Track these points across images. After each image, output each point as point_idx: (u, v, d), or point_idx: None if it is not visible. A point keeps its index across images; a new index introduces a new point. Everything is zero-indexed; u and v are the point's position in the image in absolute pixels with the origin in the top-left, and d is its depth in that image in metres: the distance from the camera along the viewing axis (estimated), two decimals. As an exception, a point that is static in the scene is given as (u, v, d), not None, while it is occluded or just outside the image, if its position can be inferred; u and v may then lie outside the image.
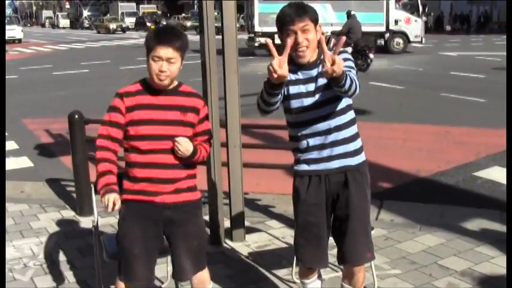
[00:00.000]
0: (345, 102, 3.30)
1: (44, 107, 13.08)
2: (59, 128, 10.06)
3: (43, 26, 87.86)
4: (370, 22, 23.31)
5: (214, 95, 4.85)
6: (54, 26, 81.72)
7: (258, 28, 24.89)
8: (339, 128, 3.29)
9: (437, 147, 8.80)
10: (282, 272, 4.54)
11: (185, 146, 3.24)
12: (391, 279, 4.40)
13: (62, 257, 4.83)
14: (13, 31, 39.01)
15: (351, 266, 3.43)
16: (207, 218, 5.40)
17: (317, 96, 3.25)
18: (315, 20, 3.20)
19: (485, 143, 8.91)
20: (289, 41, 3.12)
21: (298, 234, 3.45)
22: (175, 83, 3.35)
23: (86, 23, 73.76)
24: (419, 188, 7.00)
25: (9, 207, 6.10)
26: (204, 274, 3.48)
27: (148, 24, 47.84)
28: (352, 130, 3.36)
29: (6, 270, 4.64)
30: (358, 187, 3.36)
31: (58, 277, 4.53)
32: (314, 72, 3.25)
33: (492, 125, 10.23)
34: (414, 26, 26.63)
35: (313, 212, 3.38)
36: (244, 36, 27.36)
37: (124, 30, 57.79)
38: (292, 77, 3.23)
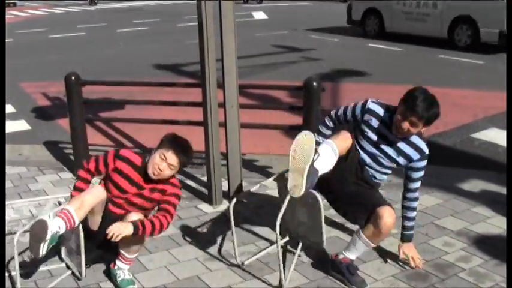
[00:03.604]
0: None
1: (41, 70, 13.00)
2: (56, 91, 10.01)
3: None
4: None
5: (211, 56, 4.81)
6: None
7: None
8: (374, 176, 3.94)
9: (435, 109, 8.77)
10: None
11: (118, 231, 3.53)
12: (387, 238, 4.43)
13: (60, 218, 4.84)
14: (8, -5, 38.48)
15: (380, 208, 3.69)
16: (204, 178, 5.43)
17: (379, 152, 3.83)
18: (428, 124, 3.67)
19: (482, 104, 8.90)
20: (399, 119, 3.64)
21: None
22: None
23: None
24: (416, 149, 6.99)
25: (8, 169, 6.11)
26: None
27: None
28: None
29: (6, 231, 4.67)
30: None
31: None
32: (393, 139, 3.77)
33: (490, 86, 10.21)
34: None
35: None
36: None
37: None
38: (377, 127, 3.80)
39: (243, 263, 4.05)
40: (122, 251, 3.84)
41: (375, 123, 3.80)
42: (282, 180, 4.10)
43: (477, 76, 11.43)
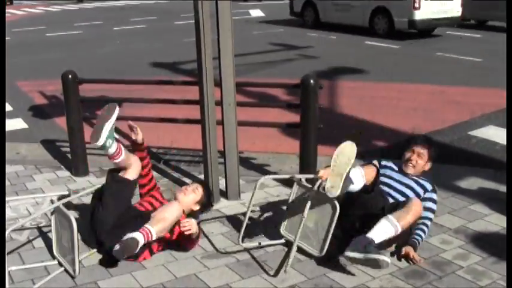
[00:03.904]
0: None
1: (38, 69, 12.98)
2: (53, 89, 10.00)
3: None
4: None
5: (208, 54, 4.80)
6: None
7: None
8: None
9: (432, 107, 8.80)
10: (276, 230, 4.57)
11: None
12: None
13: (58, 217, 4.83)
14: (4, -8, 38.44)
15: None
16: (201, 176, 5.42)
17: (400, 185, 4.44)
18: (432, 158, 4.51)
19: (480, 102, 8.90)
20: (407, 155, 4.50)
21: None
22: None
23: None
24: (414, 147, 6.99)
25: (5, 168, 6.10)
26: None
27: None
28: None
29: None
30: None
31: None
32: (406, 180, 4.46)
33: (487, 84, 10.21)
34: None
35: None
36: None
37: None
38: (395, 168, 4.56)
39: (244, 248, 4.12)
40: (148, 226, 3.99)
41: (392, 166, 4.58)
42: (301, 184, 4.28)
43: (474, 74, 11.44)
